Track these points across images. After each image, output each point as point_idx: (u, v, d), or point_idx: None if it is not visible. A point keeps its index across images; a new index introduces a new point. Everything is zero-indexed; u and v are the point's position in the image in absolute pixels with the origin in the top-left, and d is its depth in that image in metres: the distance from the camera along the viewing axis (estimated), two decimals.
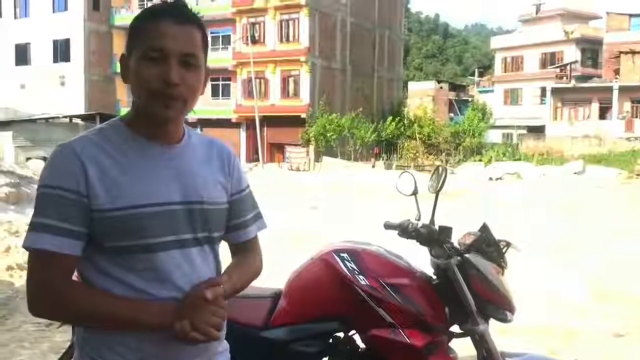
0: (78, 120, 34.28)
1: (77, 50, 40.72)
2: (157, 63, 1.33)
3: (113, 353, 1.37)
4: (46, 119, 33.65)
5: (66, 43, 41.03)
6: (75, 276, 1.40)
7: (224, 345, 1.56)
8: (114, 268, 1.36)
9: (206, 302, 1.33)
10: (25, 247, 1.32)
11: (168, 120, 1.40)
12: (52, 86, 40.48)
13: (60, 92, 40.22)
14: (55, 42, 41.26)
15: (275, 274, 2.71)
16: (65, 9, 40.98)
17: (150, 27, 1.35)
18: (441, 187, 2.42)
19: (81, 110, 37.00)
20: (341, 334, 2.32)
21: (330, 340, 2.31)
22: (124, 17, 42.29)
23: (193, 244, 1.42)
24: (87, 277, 1.39)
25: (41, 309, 1.35)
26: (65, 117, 34.18)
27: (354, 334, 2.33)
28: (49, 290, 1.31)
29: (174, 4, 1.40)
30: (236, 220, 1.57)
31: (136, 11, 43.19)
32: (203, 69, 1.42)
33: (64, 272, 1.32)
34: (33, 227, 1.31)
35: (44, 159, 21.24)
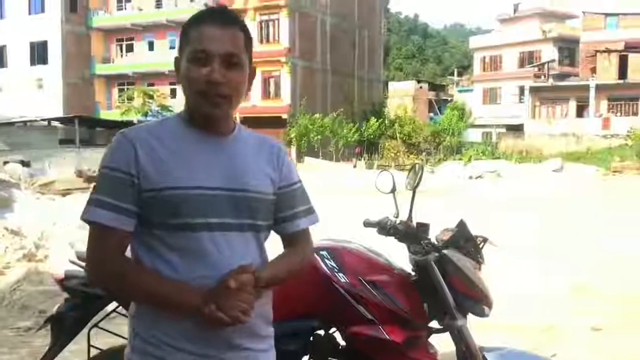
0: (56, 123, 33.84)
1: (55, 53, 40.18)
2: (202, 64, 1.46)
3: (163, 334, 1.47)
4: (24, 122, 33.15)
5: (43, 45, 40.49)
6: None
7: (270, 330, 1.65)
8: (159, 246, 1.48)
9: (231, 289, 1.40)
10: (83, 219, 1.47)
11: (216, 118, 1.52)
12: (30, 89, 39.91)
13: (38, 95, 39.64)
14: (32, 45, 40.70)
15: None
16: (42, 10, 40.42)
17: (194, 31, 1.49)
18: (418, 184, 2.46)
19: (59, 113, 36.49)
20: (321, 332, 2.33)
21: (311, 338, 2.32)
22: (102, 18, 41.76)
23: (235, 228, 1.51)
24: (136, 254, 1.52)
25: (96, 276, 1.53)
26: (44, 120, 33.72)
27: (334, 332, 2.34)
28: (101, 259, 1.46)
29: (217, 8, 1.54)
30: (286, 213, 1.65)
31: (114, 13, 42.75)
32: (246, 68, 1.53)
33: (116, 245, 1.46)
34: (91, 202, 1.46)
35: (22, 162, 20.88)
